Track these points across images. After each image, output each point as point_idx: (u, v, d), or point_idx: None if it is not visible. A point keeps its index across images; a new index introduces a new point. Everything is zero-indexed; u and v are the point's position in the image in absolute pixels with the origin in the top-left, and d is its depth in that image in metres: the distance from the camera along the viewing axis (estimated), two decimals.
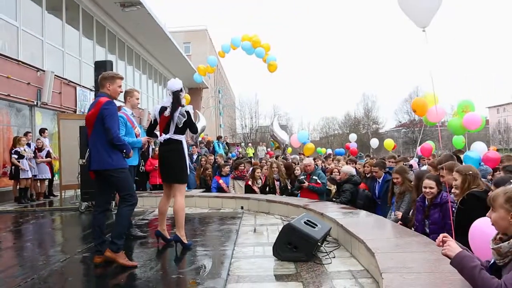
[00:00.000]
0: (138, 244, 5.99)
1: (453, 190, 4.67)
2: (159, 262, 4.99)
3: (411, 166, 9.67)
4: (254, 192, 10.00)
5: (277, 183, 10.11)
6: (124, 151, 4.83)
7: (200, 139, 18.84)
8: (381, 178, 7.63)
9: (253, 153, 24.07)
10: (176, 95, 5.53)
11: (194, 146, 14.52)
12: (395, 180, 6.60)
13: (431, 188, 5.11)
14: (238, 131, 55.10)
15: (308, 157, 12.46)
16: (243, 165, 10.87)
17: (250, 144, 27.30)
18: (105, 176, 4.76)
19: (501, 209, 2.62)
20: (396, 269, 3.50)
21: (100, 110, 4.67)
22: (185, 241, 5.51)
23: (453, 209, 4.72)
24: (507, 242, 2.59)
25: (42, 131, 12.81)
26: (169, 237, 5.75)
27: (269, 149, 24.67)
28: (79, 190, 9.67)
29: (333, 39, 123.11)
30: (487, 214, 2.79)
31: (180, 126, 5.48)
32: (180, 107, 5.50)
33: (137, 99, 6.16)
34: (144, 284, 4.16)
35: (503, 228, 2.65)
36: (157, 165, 8.36)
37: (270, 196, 9.23)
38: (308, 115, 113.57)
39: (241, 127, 55.44)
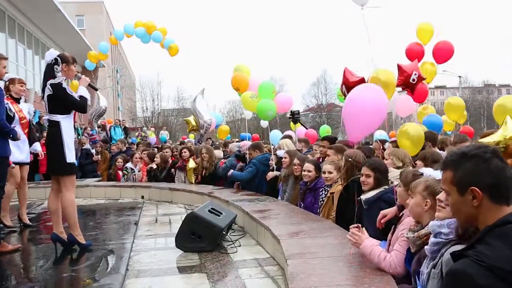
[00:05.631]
0: (24, 240, 5.68)
1: (324, 176, 5.24)
2: (50, 260, 4.71)
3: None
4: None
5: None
6: (11, 136, 4.89)
7: (99, 122, 17.92)
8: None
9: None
10: (48, 67, 5.02)
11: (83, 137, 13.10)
12: (283, 161, 6.79)
13: (309, 171, 5.61)
14: (139, 114, 53.51)
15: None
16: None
17: (153, 129, 26.68)
18: None
19: (419, 195, 2.88)
20: (301, 255, 3.67)
21: None
22: (83, 241, 5.05)
23: (322, 195, 5.23)
24: (412, 234, 2.84)
25: None
26: (67, 240, 5.07)
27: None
28: None
29: (240, 20, 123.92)
30: (407, 201, 3.07)
31: (46, 102, 4.96)
32: (50, 80, 4.94)
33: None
34: (30, 285, 3.94)
35: (417, 215, 2.92)
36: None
37: (173, 184, 9.14)
38: (214, 98, 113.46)
39: (142, 110, 53.88)
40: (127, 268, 4.33)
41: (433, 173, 2.93)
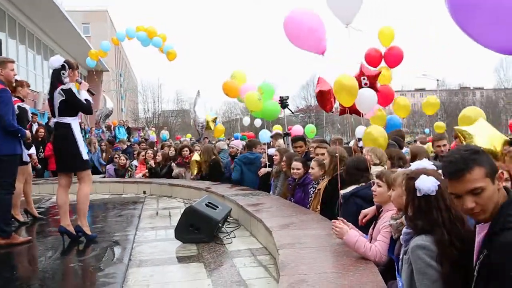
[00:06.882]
0: (32, 232, 5.68)
1: (310, 171, 5.29)
2: (57, 251, 4.71)
3: None
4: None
5: None
6: (20, 135, 4.98)
7: (106, 123, 18.00)
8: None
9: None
10: (55, 73, 5.04)
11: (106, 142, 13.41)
12: (274, 158, 6.77)
13: (298, 169, 5.64)
14: (141, 115, 53.27)
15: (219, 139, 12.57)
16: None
17: (153, 128, 26.68)
18: None
19: (399, 187, 2.87)
20: (291, 245, 3.69)
21: None
22: (88, 232, 5.07)
23: (311, 191, 5.33)
24: (395, 220, 2.88)
25: None
26: (75, 233, 5.08)
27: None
28: None
29: (234, 23, 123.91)
30: (389, 193, 3.07)
31: (58, 106, 4.97)
32: (60, 86, 4.97)
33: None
34: (40, 274, 3.95)
35: (400, 205, 2.91)
36: None
37: (173, 180, 9.15)
38: (211, 99, 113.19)
39: (143, 112, 53.64)
40: (130, 258, 4.35)
41: (424, 165, 2.89)
